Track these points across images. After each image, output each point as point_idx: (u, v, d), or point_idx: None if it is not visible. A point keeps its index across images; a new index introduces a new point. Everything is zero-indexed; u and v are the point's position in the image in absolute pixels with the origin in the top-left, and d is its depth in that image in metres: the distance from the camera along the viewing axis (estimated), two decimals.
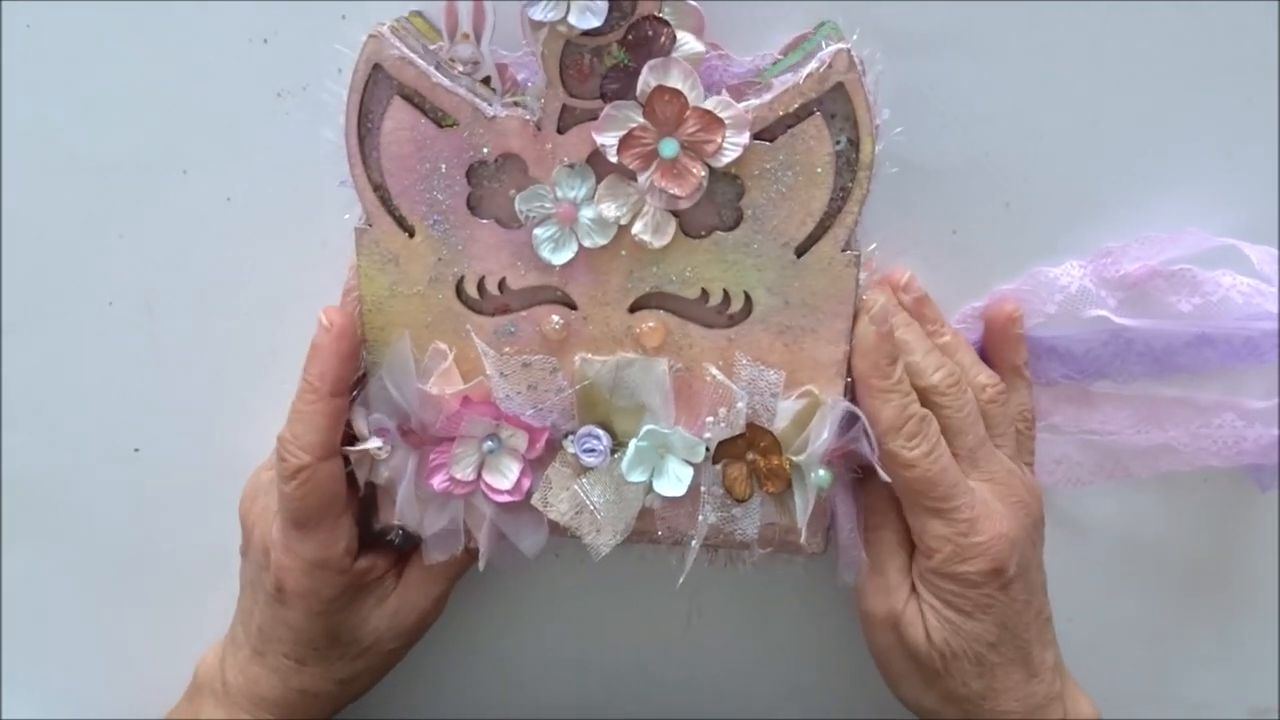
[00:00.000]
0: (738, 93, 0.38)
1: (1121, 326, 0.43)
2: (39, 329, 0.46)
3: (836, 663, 0.51)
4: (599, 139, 0.37)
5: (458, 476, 0.42)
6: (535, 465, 0.42)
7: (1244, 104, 0.41)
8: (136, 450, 0.48)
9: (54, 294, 0.46)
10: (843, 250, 0.39)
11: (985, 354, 0.44)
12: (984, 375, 0.43)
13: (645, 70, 0.36)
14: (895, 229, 0.42)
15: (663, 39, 0.36)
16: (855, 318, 0.40)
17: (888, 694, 0.44)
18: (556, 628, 0.51)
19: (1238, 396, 0.45)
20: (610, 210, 0.38)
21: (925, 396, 0.40)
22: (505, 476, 0.42)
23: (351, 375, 0.40)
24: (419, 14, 0.38)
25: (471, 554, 0.44)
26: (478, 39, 0.38)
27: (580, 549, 0.48)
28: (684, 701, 0.52)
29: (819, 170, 0.38)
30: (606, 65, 0.37)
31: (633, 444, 0.41)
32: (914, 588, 0.42)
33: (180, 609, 0.50)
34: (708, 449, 0.41)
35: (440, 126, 0.38)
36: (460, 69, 0.38)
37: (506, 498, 0.42)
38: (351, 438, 0.42)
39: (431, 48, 0.38)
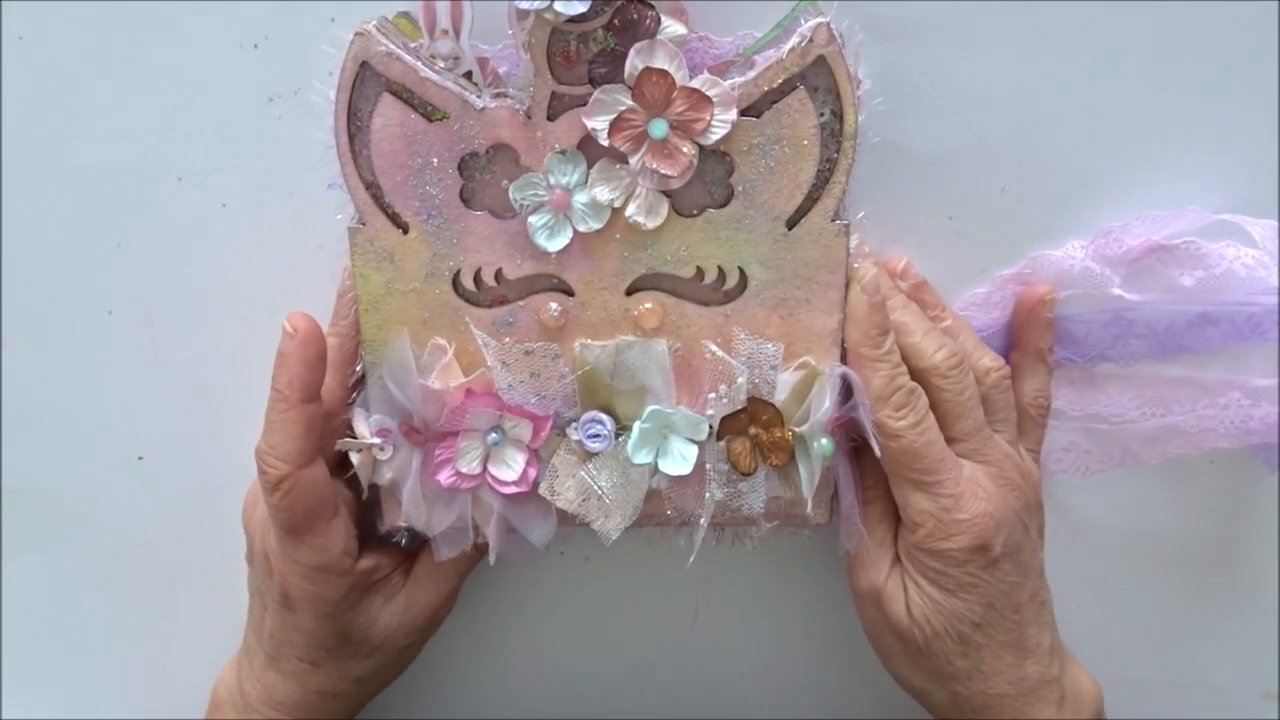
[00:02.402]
0: (720, 72, 0.39)
1: (1122, 308, 0.43)
2: (39, 339, 0.46)
3: (845, 657, 0.51)
4: (589, 123, 0.38)
5: (463, 470, 0.42)
6: (540, 455, 0.42)
7: (1240, 82, 0.41)
8: (140, 458, 0.48)
9: (53, 303, 0.45)
10: (832, 220, 0.40)
11: (1011, 335, 0.45)
12: (988, 359, 0.43)
13: (632, 53, 0.37)
14: (892, 216, 0.42)
15: (648, 21, 0.37)
16: (847, 287, 0.41)
17: (899, 690, 0.44)
18: (563, 625, 0.51)
19: (1242, 375, 0.44)
20: (603, 194, 0.39)
21: (926, 378, 0.41)
22: (511, 468, 0.42)
23: (320, 380, 0.40)
24: (404, 14, 0.39)
25: (481, 549, 0.44)
26: (456, 34, 0.39)
27: (585, 545, 0.49)
28: (692, 698, 0.52)
29: (805, 143, 0.39)
30: (593, 50, 0.37)
31: (636, 426, 0.41)
32: (897, 563, 0.42)
33: (182, 614, 0.50)
34: (711, 426, 0.41)
35: (430, 121, 0.38)
36: (442, 65, 0.39)
37: (513, 489, 0.42)
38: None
39: (412, 45, 0.38)
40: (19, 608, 0.50)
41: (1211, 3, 0.41)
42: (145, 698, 0.51)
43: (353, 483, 0.43)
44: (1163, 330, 0.44)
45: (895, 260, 0.43)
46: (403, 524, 0.43)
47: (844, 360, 0.41)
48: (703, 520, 0.42)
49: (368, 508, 0.44)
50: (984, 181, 0.43)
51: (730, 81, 0.38)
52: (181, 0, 0.40)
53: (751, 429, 0.42)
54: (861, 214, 0.40)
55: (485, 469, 0.42)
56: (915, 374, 0.41)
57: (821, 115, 0.38)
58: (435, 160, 0.39)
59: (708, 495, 0.42)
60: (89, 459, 0.48)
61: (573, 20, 0.37)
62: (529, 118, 0.38)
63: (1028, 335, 0.44)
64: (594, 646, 0.52)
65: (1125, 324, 0.44)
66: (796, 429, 0.41)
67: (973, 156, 0.42)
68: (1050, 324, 0.44)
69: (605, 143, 0.38)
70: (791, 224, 0.40)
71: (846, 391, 0.42)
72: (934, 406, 0.41)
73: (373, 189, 0.39)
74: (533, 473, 0.42)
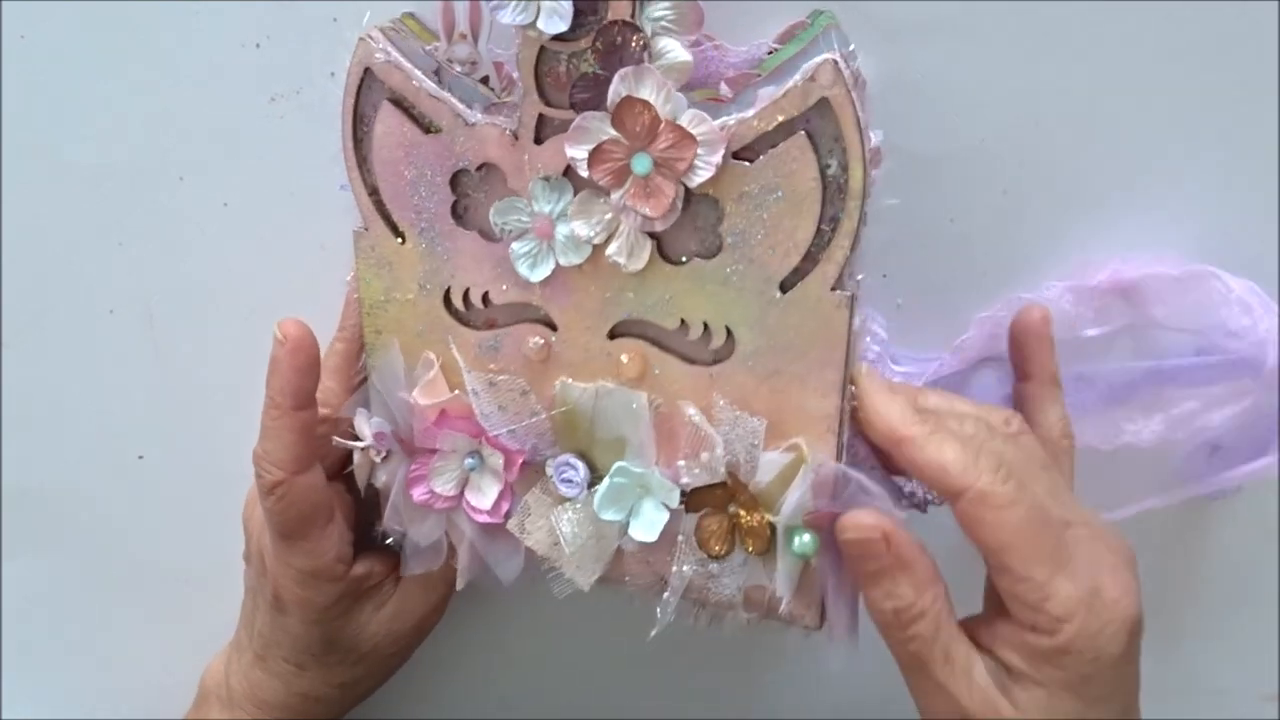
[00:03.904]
0: (738, 83, 0.35)
1: (1079, 372, 0.41)
2: (40, 337, 0.47)
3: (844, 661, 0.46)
4: (570, 152, 0.35)
5: (438, 490, 0.41)
6: (517, 488, 0.40)
7: (1245, 82, 0.39)
8: (140, 457, 0.49)
9: (54, 302, 0.46)
10: (832, 289, 0.34)
11: (1015, 365, 0.40)
12: (998, 414, 0.36)
13: (616, 79, 0.33)
14: (892, 219, 0.38)
15: (633, 45, 0.33)
16: (848, 366, 0.35)
17: (894, 692, 0.39)
18: (562, 626, 0.50)
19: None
20: (582, 229, 0.36)
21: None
22: (485, 496, 0.40)
23: (313, 386, 0.39)
24: (412, 15, 0.37)
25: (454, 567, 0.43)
26: (474, 38, 0.37)
27: None
28: (692, 698, 0.50)
29: (804, 197, 0.33)
30: (581, 72, 0.34)
31: (606, 480, 0.38)
32: (995, 675, 0.34)
33: (182, 613, 0.51)
34: (684, 494, 0.37)
35: (426, 132, 0.37)
36: (458, 69, 0.37)
37: (485, 518, 0.40)
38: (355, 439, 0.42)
39: (428, 48, 0.37)
40: (19, 608, 0.51)
41: (1215, 3, 0.38)
42: (145, 697, 0.52)
43: (353, 487, 0.44)
44: (1121, 386, 0.41)
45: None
46: (398, 528, 0.43)
47: (842, 450, 0.36)
48: (667, 595, 0.39)
49: (364, 513, 0.44)
50: (986, 183, 0.40)
51: (723, 119, 0.33)
52: (183, 0, 0.41)
53: (731, 507, 0.37)
54: (862, 275, 0.34)
55: (462, 492, 0.41)
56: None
57: (827, 166, 0.33)
58: (429, 173, 0.38)
59: (675, 568, 0.38)
60: (89, 459, 0.48)
61: (559, 39, 0.34)
62: (516, 138, 0.36)
63: (1036, 360, 0.39)
64: (593, 647, 0.50)
65: (1083, 382, 0.41)
66: (772, 518, 0.36)
67: (974, 158, 0.40)
68: (1053, 343, 0.39)
69: (586, 174, 0.35)
70: (786, 287, 0.34)
71: (844, 485, 0.36)
72: None
73: (375, 195, 0.39)
74: (505, 505, 0.40)
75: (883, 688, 0.39)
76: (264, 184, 0.44)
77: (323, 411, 0.42)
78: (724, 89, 0.36)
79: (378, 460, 0.42)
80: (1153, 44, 0.38)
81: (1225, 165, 0.40)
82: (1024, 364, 0.40)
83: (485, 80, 0.38)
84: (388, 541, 0.44)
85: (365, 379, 0.42)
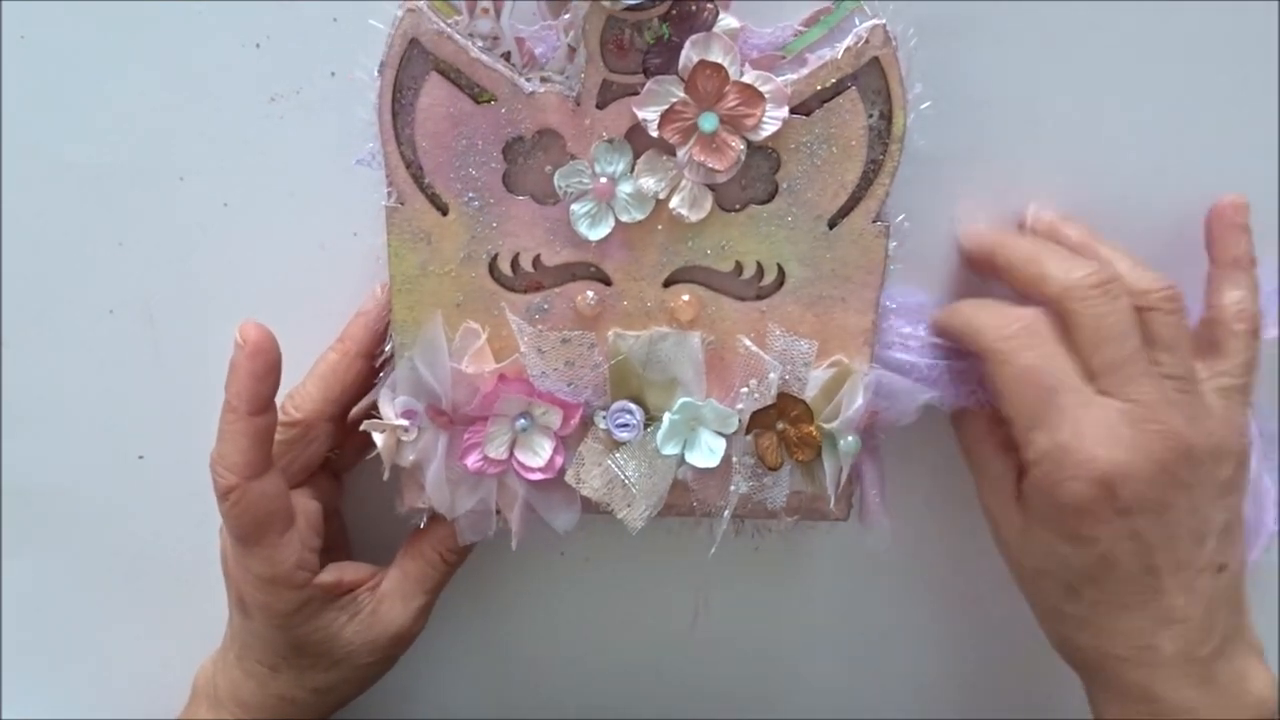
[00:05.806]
0: (768, 67, 0.38)
1: None
2: (40, 337, 0.46)
3: (845, 657, 0.52)
4: (640, 113, 0.37)
5: (491, 455, 0.41)
6: (566, 443, 0.42)
7: (1245, 80, 0.42)
8: (140, 457, 0.47)
9: (54, 302, 0.45)
10: (873, 221, 0.40)
11: (1206, 247, 0.42)
12: (1147, 279, 0.39)
13: (688, 45, 0.37)
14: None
15: (705, 14, 0.37)
16: (881, 286, 0.41)
17: (894, 692, 0.44)
18: (563, 626, 0.51)
19: None
20: (649, 184, 0.39)
21: (1062, 304, 0.38)
22: (538, 454, 0.42)
23: (270, 392, 0.39)
24: None
25: (450, 565, 0.44)
26: (497, 14, 0.38)
27: (585, 546, 0.49)
28: (692, 698, 0.53)
29: (853, 143, 0.39)
30: (647, 40, 0.37)
31: (667, 417, 0.41)
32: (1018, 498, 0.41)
33: (182, 614, 0.49)
34: (740, 420, 0.42)
35: (477, 103, 0.38)
36: (480, 44, 0.38)
37: (539, 475, 0.42)
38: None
39: (449, 22, 0.38)
40: (19, 608, 0.50)
41: (1215, 3, 0.41)
42: (145, 697, 0.51)
43: (319, 494, 0.43)
44: None
45: (1024, 216, 0.43)
46: (421, 506, 0.43)
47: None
48: (726, 512, 0.43)
49: (334, 522, 0.44)
50: (986, 183, 0.43)
51: (783, 78, 0.38)
52: (183, 0, 0.40)
53: (779, 424, 0.42)
54: (902, 216, 0.40)
55: (512, 454, 0.42)
56: (1050, 303, 0.39)
57: (870, 117, 0.38)
58: (480, 143, 0.38)
59: (732, 488, 0.42)
60: (89, 459, 0.48)
61: (630, 8, 0.36)
62: (578, 104, 0.38)
63: (1219, 244, 0.41)
64: (594, 647, 0.52)
65: None
66: (825, 425, 0.42)
67: (974, 158, 0.42)
68: (1246, 230, 0.41)
69: (655, 134, 0.38)
70: (833, 223, 0.40)
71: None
72: (1072, 334, 0.38)
73: (413, 169, 0.39)
74: (559, 460, 0.42)
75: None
76: (264, 184, 0.43)
77: (295, 416, 0.42)
78: (748, 70, 0.39)
79: (409, 439, 0.42)
80: (1153, 44, 0.41)
81: (1226, 165, 0.42)
82: (1210, 248, 0.41)
83: (506, 56, 0.38)
84: (411, 521, 0.44)
85: (386, 359, 0.42)
